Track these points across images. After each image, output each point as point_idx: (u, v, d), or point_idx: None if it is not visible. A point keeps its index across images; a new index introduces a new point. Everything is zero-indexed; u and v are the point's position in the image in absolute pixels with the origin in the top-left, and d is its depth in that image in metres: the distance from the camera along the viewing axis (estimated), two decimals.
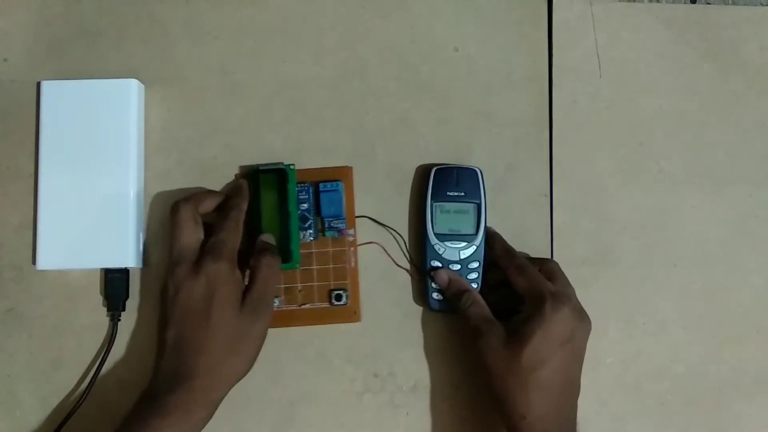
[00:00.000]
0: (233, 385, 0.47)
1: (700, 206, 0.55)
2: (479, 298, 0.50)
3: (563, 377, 0.46)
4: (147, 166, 0.53)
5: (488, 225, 0.52)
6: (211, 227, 0.49)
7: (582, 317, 0.48)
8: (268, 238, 0.50)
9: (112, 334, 0.51)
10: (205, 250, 0.47)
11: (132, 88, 0.52)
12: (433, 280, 0.52)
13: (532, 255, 0.53)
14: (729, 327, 0.54)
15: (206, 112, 0.54)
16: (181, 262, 0.47)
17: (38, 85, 0.52)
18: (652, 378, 0.54)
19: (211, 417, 0.46)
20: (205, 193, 0.51)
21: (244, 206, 0.50)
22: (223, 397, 0.47)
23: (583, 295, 0.49)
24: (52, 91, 0.52)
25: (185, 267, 0.47)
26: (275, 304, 0.51)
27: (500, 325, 0.47)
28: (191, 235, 0.48)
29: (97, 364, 0.51)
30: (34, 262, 0.52)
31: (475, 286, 0.51)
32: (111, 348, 0.51)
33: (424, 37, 0.55)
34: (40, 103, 0.51)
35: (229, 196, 0.51)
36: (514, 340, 0.46)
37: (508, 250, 0.51)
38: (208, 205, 0.50)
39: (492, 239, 0.52)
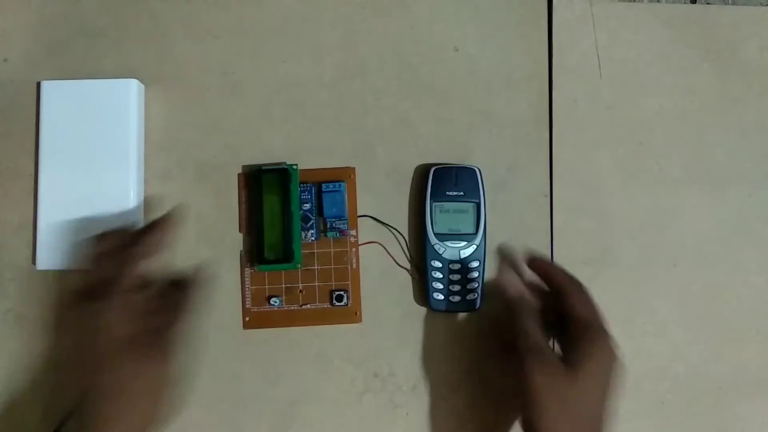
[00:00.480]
0: (153, 430, 0.43)
1: (700, 206, 0.55)
2: (538, 313, 0.47)
3: (603, 411, 0.45)
4: (147, 166, 0.53)
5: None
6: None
7: (617, 354, 0.46)
8: (192, 272, 0.48)
9: None
10: (97, 290, 0.44)
11: (132, 88, 0.52)
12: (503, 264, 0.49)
13: None
14: (729, 327, 0.54)
15: (206, 112, 0.54)
16: (73, 303, 0.44)
17: (38, 85, 0.52)
18: (652, 378, 0.54)
19: None
20: (115, 230, 0.48)
21: (155, 241, 0.47)
22: None
23: None
24: (52, 91, 0.52)
25: (77, 309, 0.44)
26: (275, 307, 0.51)
27: (552, 350, 0.45)
28: (87, 274, 0.45)
29: None
30: (34, 262, 0.52)
31: (476, 285, 0.51)
32: None
33: (424, 37, 0.55)
34: (40, 103, 0.51)
35: (146, 229, 0.48)
36: (568, 367, 0.44)
37: (572, 277, 0.48)
38: (117, 241, 0.47)
39: (548, 267, 0.49)
